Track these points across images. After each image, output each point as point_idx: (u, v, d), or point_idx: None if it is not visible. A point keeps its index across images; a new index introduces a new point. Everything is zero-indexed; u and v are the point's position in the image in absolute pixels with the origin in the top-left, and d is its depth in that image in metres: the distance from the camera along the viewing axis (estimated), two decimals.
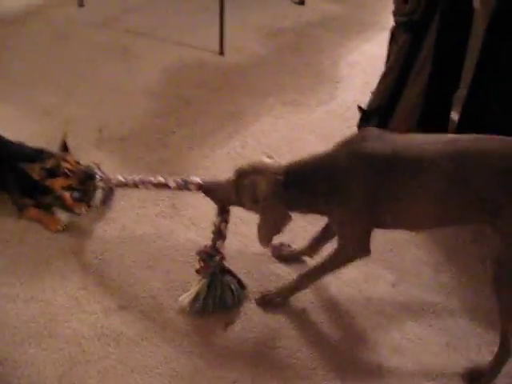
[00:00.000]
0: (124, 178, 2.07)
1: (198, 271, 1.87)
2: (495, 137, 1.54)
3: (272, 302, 1.89)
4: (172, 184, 1.95)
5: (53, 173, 2.07)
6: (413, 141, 1.62)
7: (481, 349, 1.77)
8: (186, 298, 1.86)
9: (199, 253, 1.87)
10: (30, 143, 2.24)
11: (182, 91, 3.00)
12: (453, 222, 1.75)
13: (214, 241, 1.86)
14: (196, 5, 3.42)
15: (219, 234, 1.86)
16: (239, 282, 1.90)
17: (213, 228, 1.86)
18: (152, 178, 1.99)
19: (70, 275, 1.98)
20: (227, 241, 1.85)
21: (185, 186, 1.92)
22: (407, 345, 1.77)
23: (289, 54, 3.38)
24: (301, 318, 1.86)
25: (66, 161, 2.09)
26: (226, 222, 1.87)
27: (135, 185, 2.03)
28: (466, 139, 1.56)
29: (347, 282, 1.97)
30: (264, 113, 2.85)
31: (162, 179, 1.97)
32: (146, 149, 2.58)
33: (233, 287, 1.87)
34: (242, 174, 1.73)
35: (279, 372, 1.70)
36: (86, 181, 2.09)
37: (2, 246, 2.09)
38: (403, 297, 1.91)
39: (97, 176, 2.10)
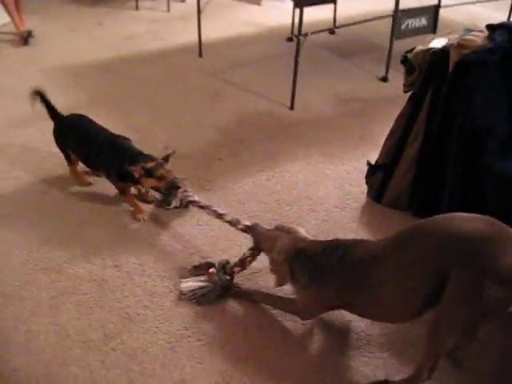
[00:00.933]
0: (198, 199, 2.59)
1: (202, 269, 2.29)
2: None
3: (234, 291, 2.27)
4: (227, 218, 2.41)
5: (149, 173, 2.52)
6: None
7: None
8: (188, 288, 2.26)
9: (221, 261, 2.28)
10: None
11: (242, 132, 3.58)
12: None
13: (235, 265, 2.26)
14: (288, 67, 4.01)
15: (241, 263, 2.25)
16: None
17: (242, 255, 2.27)
18: (217, 208, 2.48)
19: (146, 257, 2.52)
20: None
21: (236, 223, 2.37)
22: None
23: (351, 118, 3.79)
24: None
25: (162, 168, 2.55)
26: (253, 258, 2.26)
27: (202, 207, 2.53)
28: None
29: None
30: (300, 158, 3.28)
31: (223, 212, 2.45)
32: (194, 167, 3.17)
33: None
34: (277, 227, 2.19)
35: None
36: (171, 188, 2.60)
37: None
38: None
39: (180, 189, 2.60)
